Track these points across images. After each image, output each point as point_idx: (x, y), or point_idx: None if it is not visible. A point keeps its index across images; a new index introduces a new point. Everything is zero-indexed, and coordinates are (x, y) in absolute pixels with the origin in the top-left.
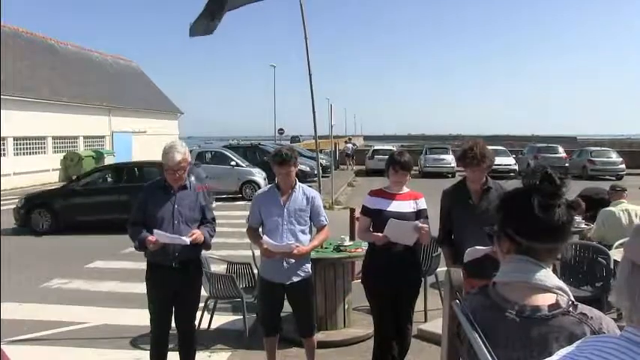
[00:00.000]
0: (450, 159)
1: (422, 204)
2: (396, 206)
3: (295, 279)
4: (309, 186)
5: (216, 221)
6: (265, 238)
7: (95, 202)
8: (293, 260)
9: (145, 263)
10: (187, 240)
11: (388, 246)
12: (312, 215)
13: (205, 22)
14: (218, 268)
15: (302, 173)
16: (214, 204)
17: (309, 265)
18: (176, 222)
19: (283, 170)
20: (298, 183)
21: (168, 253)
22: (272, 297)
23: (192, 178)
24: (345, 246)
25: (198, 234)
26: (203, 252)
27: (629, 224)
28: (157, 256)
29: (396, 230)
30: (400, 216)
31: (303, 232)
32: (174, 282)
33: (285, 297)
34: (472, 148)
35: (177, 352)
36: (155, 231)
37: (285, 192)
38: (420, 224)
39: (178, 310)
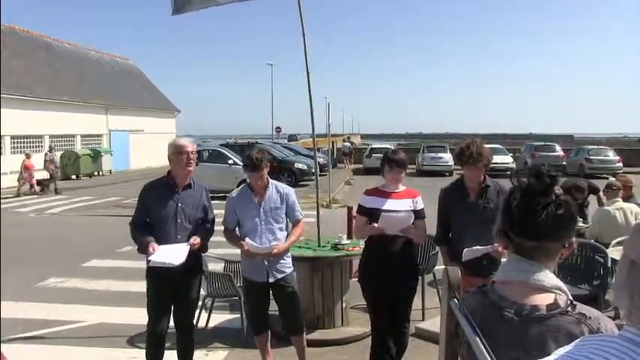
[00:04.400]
0: (447, 157)
1: (419, 203)
2: (392, 205)
3: (279, 275)
4: (305, 185)
5: (215, 220)
6: (248, 240)
7: None
8: (272, 258)
9: (141, 262)
10: (186, 248)
11: (387, 239)
12: (287, 211)
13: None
14: (215, 266)
15: (300, 172)
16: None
17: (289, 261)
18: (179, 220)
19: (256, 175)
20: (271, 181)
21: None
22: (257, 296)
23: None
24: (343, 244)
25: (198, 242)
26: None
27: (625, 222)
28: None
29: (390, 223)
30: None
31: (280, 229)
32: (173, 281)
33: (272, 296)
34: (469, 146)
35: (176, 351)
36: (156, 246)
37: (258, 192)
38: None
39: (177, 309)
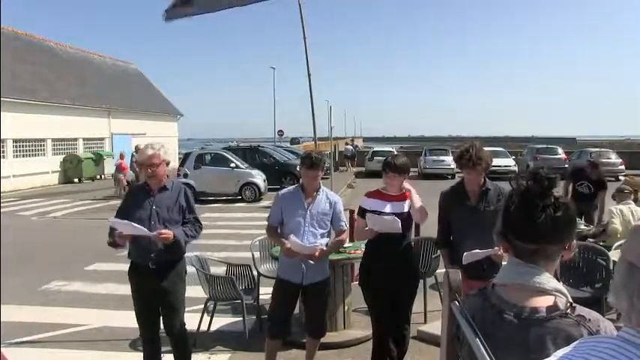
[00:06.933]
0: (449, 160)
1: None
2: (391, 207)
3: (314, 279)
4: None
5: (216, 223)
6: (292, 237)
7: None
8: (312, 262)
9: None
10: (149, 232)
11: (387, 242)
12: (332, 220)
13: (180, 8)
14: (218, 269)
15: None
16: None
17: (326, 267)
18: (153, 222)
19: (311, 173)
20: (322, 187)
21: (145, 254)
22: (287, 297)
23: (175, 179)
24: (345, 247)
25: (166, 232)
26: (202, 253)
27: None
28: (136, 255)
29: (379, 223)
30: (396, 216)
31: (323, 235)
32: (152, 283)
33: (300, 297)
34: (468, 150)
35: (173, 354)
36: (110, 218)
37: (309, 195)
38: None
39: (163, 312)
